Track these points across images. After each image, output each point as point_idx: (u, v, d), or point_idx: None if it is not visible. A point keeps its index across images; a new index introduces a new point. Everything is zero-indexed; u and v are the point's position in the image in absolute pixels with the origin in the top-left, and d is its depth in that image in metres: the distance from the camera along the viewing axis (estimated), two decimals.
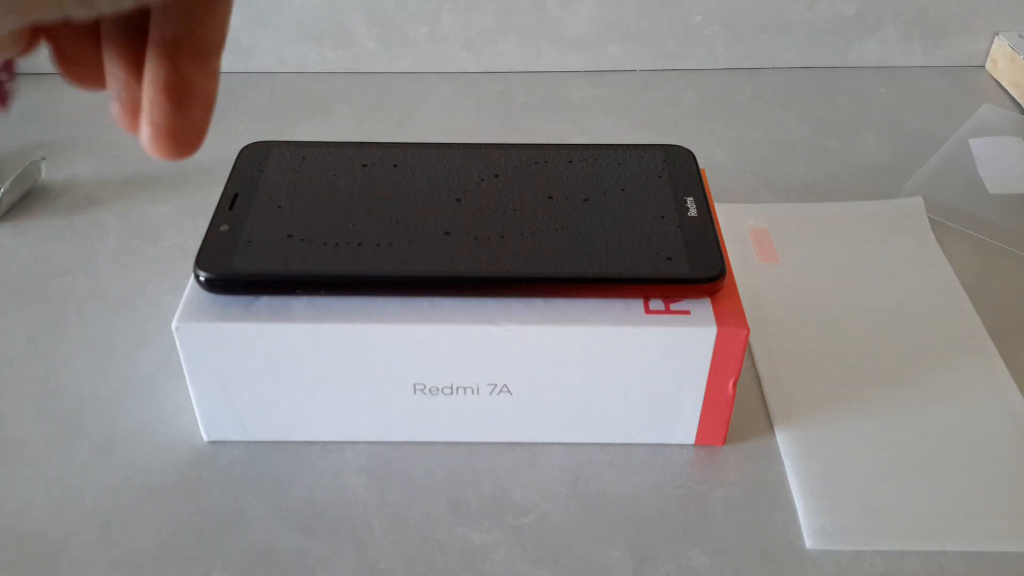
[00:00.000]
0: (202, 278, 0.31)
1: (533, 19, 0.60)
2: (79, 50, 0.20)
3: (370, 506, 0.33)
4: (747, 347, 0.39)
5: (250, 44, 0.60)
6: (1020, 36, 0.61)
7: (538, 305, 0.32)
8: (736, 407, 0.36)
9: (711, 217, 0.34)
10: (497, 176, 0.36)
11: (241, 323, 0.31)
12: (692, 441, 0.35)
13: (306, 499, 0.33)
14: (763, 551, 0.31)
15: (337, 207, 0.34)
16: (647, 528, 0.32)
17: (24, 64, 0.64)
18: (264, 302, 0.32)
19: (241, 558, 0.31)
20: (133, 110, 0.20)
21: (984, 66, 0.63)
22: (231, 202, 0.34)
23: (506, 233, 0.33)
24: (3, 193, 0.46)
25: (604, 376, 0.33)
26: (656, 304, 0.32)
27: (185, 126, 0.20)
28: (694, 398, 0.33)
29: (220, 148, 0.53)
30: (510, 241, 0.32)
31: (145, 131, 0.20)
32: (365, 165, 0.36)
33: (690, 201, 0.35)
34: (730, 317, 0.31)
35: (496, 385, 0.33)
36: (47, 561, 0.31)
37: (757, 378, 0.38)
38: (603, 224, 0.33)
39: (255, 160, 0.36)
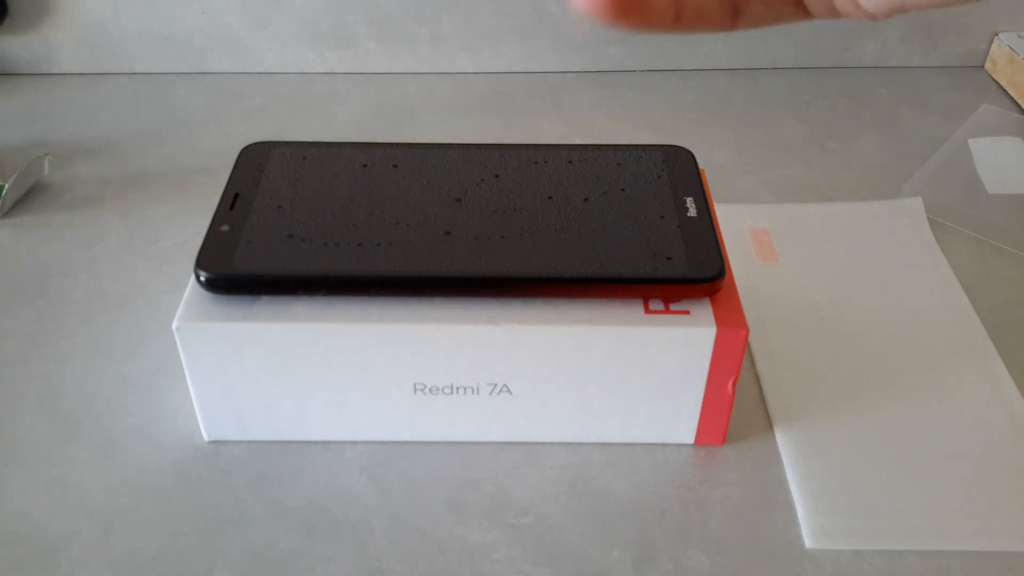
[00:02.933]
0: (203, 278, 0.31)
1: (533, 19, 0.60)
2: None
3: (370, 506, 0.33)
4: (747, 347, 0.39)
5: (250, 44, 0.60)
6: (1020, 36, 0.61)
7: (538, 305, 0.32)
8: (736, 407, 0.36)
9: (711, 217, 0.34)
10: (497, 176, 0.36)
11: (242, 323, 0.31)
12: (692, 441, 0.35)
13: (306, 499, 0.33)
14: (763, 551, 0.31)
15: (338, 207, 0.34)
16: (647, 528, 0.32)
17: (25, 64, 0.64)
18: (265, 302, 0.32)
19: (241, 558, 0.31)
20: None
21: (983, 66, 0.63)
22: (232, 202, 0.34)
23: (506, 233, 0.33)
24: (8, 189, 0.46)
25: (604, 376, 0.33)
26: (656, 304, 0.32)
27: None
28: (694, 398, 0.33)
29: (221, 148, 0.53)
30: (510, 241, 0.33)
31: None
32: (365, 165, 0.36)
33: (690, 201, 0.35)
34: (730, 317, 0.31)
35: (496, 385, 0.33)
36: (47, 561, 0.31)
37: (757, 378, 0.38)
38: (603, 224, 0.33)
39: (256, 160, 0.36)
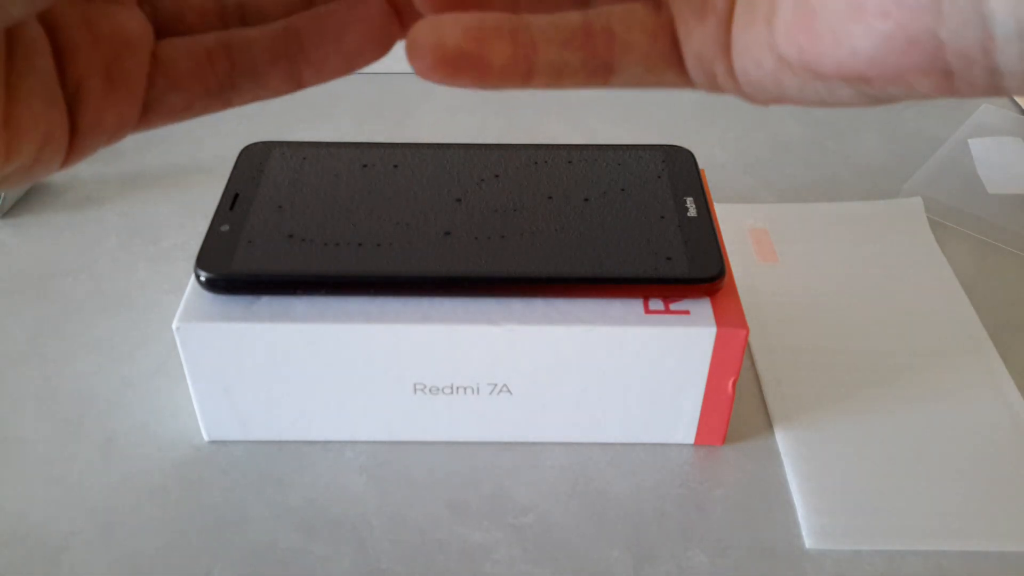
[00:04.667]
0: (203, 278, 0.31)
1: None
2: None
3: (370, 506, 0.33)
4: (746, 347, 0.39)
5: None
6: None
7: (538, 305, 0.32)
8: (735, 407, 0.36)
9: (711, 217, 0.34)
10: (497, 176, 0.36)
11: (242, 323, 0.31)
12: (692, 441, 0.35)
13: (306, 499, 0.33)
14: (763, 551, 0.31)
15: (338, 207, 0.34)
16: (647, 528, 0.32)
17: None
18: (265, 302, 0.32)
19: (241, 557, 0.31)
20: None
21: None
22: (232, 202, 0.34)
23: (506, 233, 0.33)
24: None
25: (604, 376, 0.33)
26: (656, 304, 0.32)
27: None
28: (694, 398, 0.33)
29: (221, 148, 0.53)
30: (510, 241, 0.33)
31: None
32: (365, 165, 0.36)
33: (690, 201, 0.35)
34: (729, 317, 0.31)
35: (496, 385, 0.33)
36: (47, 561, 0.31)
37: (756, 378, 0.38)
38: (603, 224, 0.33)
39: (256, 160, 0.36)
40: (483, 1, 0.20)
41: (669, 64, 0.20)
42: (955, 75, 0.16)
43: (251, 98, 0.21)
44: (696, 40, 0.19)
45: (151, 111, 0.20)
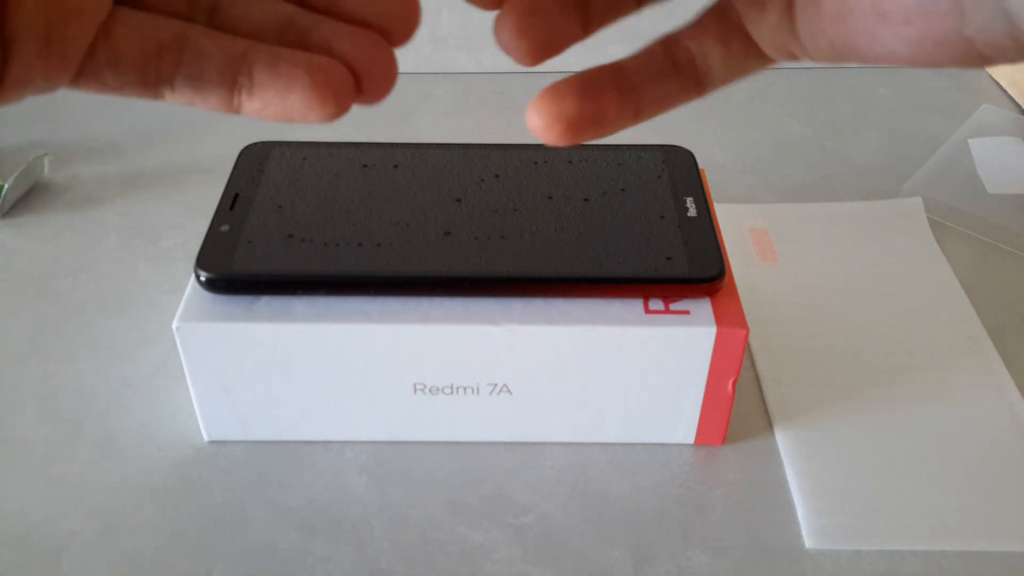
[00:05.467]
0: (203, 278, 0.31)
1: None
2: None
3: (370, 506, 0.33)
4: (746, 347, 0.39)
5: None
6: None
7: (538, 305, 0.32)
8: (735, 407, 0.36)
9: (711, 217, 0.34)
10: (497, 176, 0.36)
11: (242, 323, 0.31)
12: (692, 441, 0.35)
13: (306, 499, 0.33)
14: (763, 551, 0.31)
15: (338, 207, 0.34)
16: (647, 528, 0.32)
17: None
18: (265, 302, 0.32)
19: (241, 558, 0.31)
20: None
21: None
22: (232, 202, 0.34)
23: (506, 233, 0.33)
24: (8, 188, 0.46)
25: (604, 376, 0.33)
26: (656, 304, 0.32)
27: None
28: (693, 398, 0.33)
29: (221, 148, 0.53)
30: (510, 241, 0.33)
31: None
32: (365, 165, 0.36)
33: (690, 201, 0.35)
34: (729, 317, 0.31)
35: (496, 385, 0.33)
36: (47, 561, 0.31)
37: (756, 378, 0.38)
38: (603, 224, 0.33)
39: (256, 160, 0.36)
40: (553, 13, 0.20)
41: (748, 56, 0.21)
42: (991, 59, 0.17)
43: (185, 101, 0.20)
44: (764, 30, 0.21)
45: (82, 78, 0.20)
